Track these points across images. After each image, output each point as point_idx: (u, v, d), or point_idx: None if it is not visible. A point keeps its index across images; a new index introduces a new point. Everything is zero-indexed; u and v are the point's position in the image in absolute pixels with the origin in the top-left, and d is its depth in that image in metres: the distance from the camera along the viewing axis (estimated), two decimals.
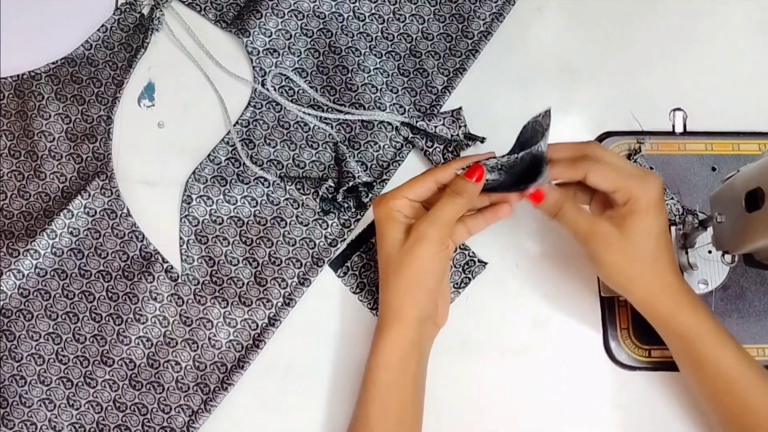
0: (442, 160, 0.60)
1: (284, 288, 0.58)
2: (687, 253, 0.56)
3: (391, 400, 0.50)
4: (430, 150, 0.60)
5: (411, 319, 0.51)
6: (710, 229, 0.53)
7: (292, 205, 0.60)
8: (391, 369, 0.51)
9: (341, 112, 0.61)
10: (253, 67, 0.62)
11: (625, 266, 0.49)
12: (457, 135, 0.59)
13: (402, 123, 0.60)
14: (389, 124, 0.61)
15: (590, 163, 0.49)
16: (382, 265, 0.52)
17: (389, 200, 0.51)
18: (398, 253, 0.50)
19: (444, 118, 0.59)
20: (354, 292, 0.58)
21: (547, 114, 0.49)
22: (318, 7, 0.64)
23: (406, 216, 0.52)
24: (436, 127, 0.59)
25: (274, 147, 0.61)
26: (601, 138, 0.61)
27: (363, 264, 0.59)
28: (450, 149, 0.60)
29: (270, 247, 0.59)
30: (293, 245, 0.59)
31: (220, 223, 0.59)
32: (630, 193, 0.48)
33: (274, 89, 0.62)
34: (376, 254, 0.53)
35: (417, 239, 0.50)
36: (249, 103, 0.62)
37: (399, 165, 0.61)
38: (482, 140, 0.60)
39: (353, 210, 0.59)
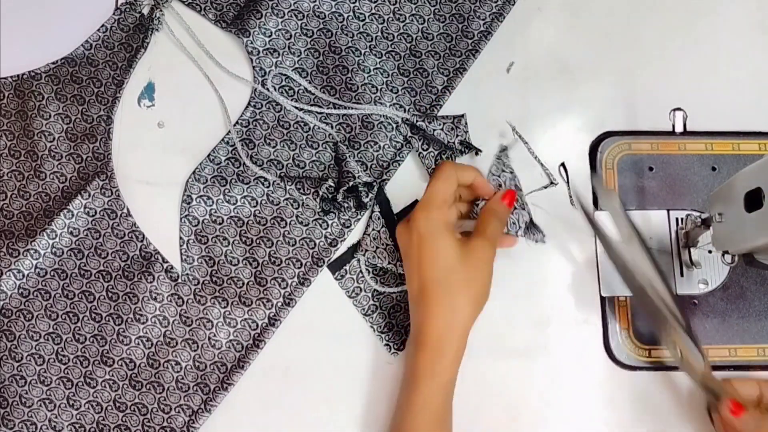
0: (433, 165, 0.59)
1: (284, 288, 0.58)
2: (690, 251, 0.56)
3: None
4: (425, 153, 0.60)
5: (465, 338, 0.51)
6: (711, 229, 0.53)
7: (292, 205, 0.60)
8: (439, 409, 0.50)
9: (342, 107, 0.61)
10: (253, 67, 0.62)
11: None
12: (453, 143, 0.59)
13: (402, 120, 0.60)
14: (389, 123, 0.61)
15: None
16: (436, 282, 0.49)
17: (439, 210, 0.50)
18: (464, 266, 0.49)
19: (444, 123, 0.59)
20: (349, 296, 0.58)
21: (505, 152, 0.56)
22: (318, 7, 0.64)
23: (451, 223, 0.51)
24: (434, 130, 0.59)
25: (274, 147, 0.61)
26: (601, 138, 0.61)
27: (361, 269, 0.59)
28: (445, 156, 0.60)
29: (270, 247, 0.59)
30: (293, 245, 0.59)
31: (220, 223, 0.59)
32: None
33: (274, 89, 0.62)
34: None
35: (487, 250, 0.50)
36: (249, 103, 0.62)
37: (399, 165, 0.61)
38: (477, 152, 0.60)
39: (353, 210, 0.59)
